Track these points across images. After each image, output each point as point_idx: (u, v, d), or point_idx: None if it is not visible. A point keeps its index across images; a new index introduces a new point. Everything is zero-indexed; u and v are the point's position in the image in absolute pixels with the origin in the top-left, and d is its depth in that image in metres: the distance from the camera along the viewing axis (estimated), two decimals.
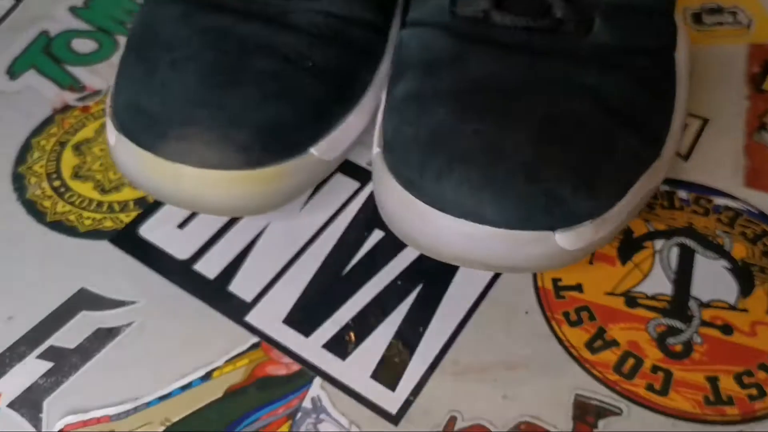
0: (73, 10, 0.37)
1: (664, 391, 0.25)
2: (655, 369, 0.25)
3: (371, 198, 0.29)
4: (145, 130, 0.25)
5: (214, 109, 0.24)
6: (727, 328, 0.26)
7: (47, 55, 0.35)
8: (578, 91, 0.25)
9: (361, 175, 0.30)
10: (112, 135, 0.26)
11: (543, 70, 0.25)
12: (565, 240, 0.23)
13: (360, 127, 0.28)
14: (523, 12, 0.26)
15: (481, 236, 0.23)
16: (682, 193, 0.30)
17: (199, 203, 0.25)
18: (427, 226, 0.23)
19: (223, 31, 0.26)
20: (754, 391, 0.25)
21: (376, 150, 0.26)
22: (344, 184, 0.30)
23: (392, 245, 0.28)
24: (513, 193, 0.23)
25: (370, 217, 0.29)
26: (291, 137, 0.25)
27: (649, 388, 0.25)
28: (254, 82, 0.25)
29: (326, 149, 0.27)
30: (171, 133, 0.24)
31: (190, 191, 0.25)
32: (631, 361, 0.25)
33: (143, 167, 0.25)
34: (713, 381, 0.25)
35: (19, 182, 0.30)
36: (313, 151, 0.26)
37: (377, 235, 0.28)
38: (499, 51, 0.25)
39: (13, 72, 0.34)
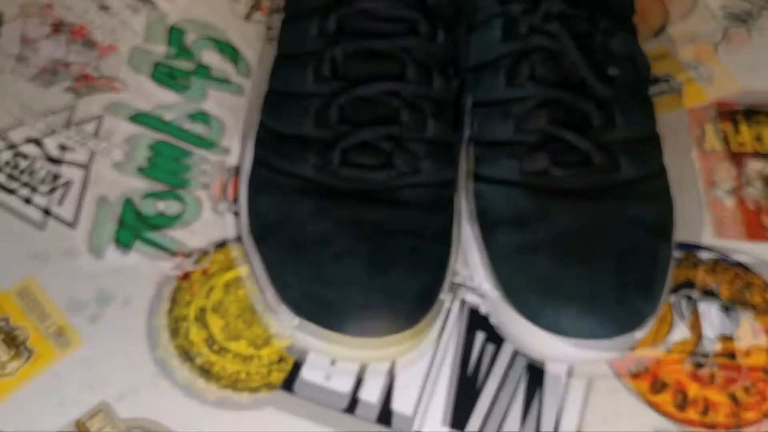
0: (141, 171, 0.42)
1: (705, 413, 0.36)
2: (695, 397, 0.37)
3: (463, 308, 0.38)
4: (328, 316, 0.32)
5: (383, 292, 0.32)
6: (731, 355, 0.38)
7: (143, 223, 0.40)
8: (631, 223, 0.35)
9: None
10: (291, 318, 0.33)
11: (603, 213, 0.35)
12: (640, 334, 0.34)
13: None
14: (572, 163, 0.35)
15: (593, 346, 0.33)
16: (675, 254, 0.41)
17: (375, 359, 0.33)
18: (551, 348, 0.33)
19: (359, 221, 0.34)
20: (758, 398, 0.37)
21: (495, 293, 0.35)
22: None
23: (494, 345, 0.37)
24: (611, 315, 0.33)
25: (469, 324, 0.38)
26: (434, 293, 0.34)
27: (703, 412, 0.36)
28: (403, 262, 0.33)
29: (445, 291, 0.35)
30: (353, 315, 0.32)
31: (371, 353, 0.33)
32: (679, 397, 0.37)
33: (331, 342, 0.32)
34: (732, 396, 0.37)
35: (186, 355, 0.36)
36: (441, 296, 0.34)
37: (480, 336, 0.38)
38: (567, 202, 0.34)
39: (122, 246, 0.39)
